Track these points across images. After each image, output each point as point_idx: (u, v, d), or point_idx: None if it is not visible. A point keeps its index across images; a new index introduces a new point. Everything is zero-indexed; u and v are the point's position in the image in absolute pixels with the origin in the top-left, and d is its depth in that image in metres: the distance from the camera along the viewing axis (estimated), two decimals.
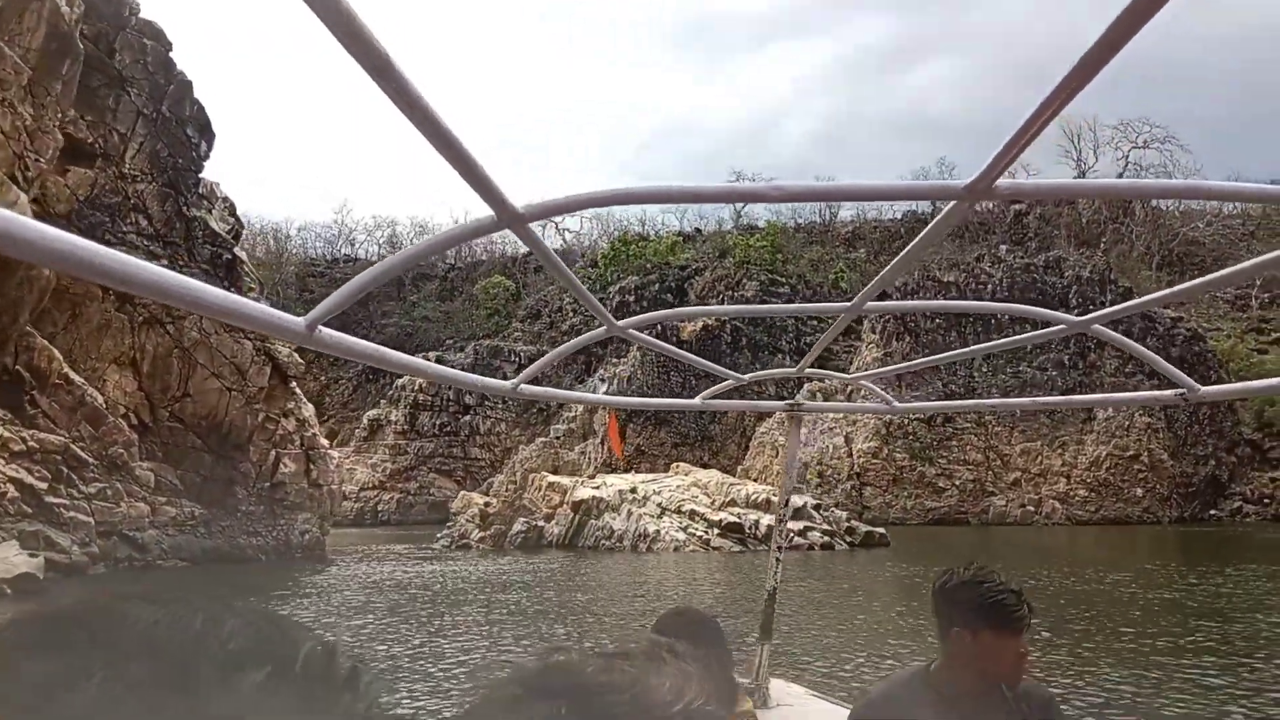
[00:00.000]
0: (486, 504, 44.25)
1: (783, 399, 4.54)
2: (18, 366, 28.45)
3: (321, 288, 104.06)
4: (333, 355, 2.01)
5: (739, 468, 72.07)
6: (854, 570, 31.82)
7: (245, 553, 34.51)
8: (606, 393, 77.40)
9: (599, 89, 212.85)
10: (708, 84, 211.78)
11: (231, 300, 1.44)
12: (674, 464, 50.13)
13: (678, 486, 42.71)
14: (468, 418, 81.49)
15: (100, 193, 30.65)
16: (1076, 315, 2.74)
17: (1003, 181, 1.46)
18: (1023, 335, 3.00)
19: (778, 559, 4.74)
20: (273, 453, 35.46)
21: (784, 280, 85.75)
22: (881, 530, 43.20)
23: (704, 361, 3.81)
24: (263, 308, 1.55)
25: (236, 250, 34.07)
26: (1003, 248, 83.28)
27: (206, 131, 33.33)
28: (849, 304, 2.60)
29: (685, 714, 0.69)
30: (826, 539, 39.57)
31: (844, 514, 43.64)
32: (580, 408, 77.89)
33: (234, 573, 31.42)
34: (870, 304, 2.57)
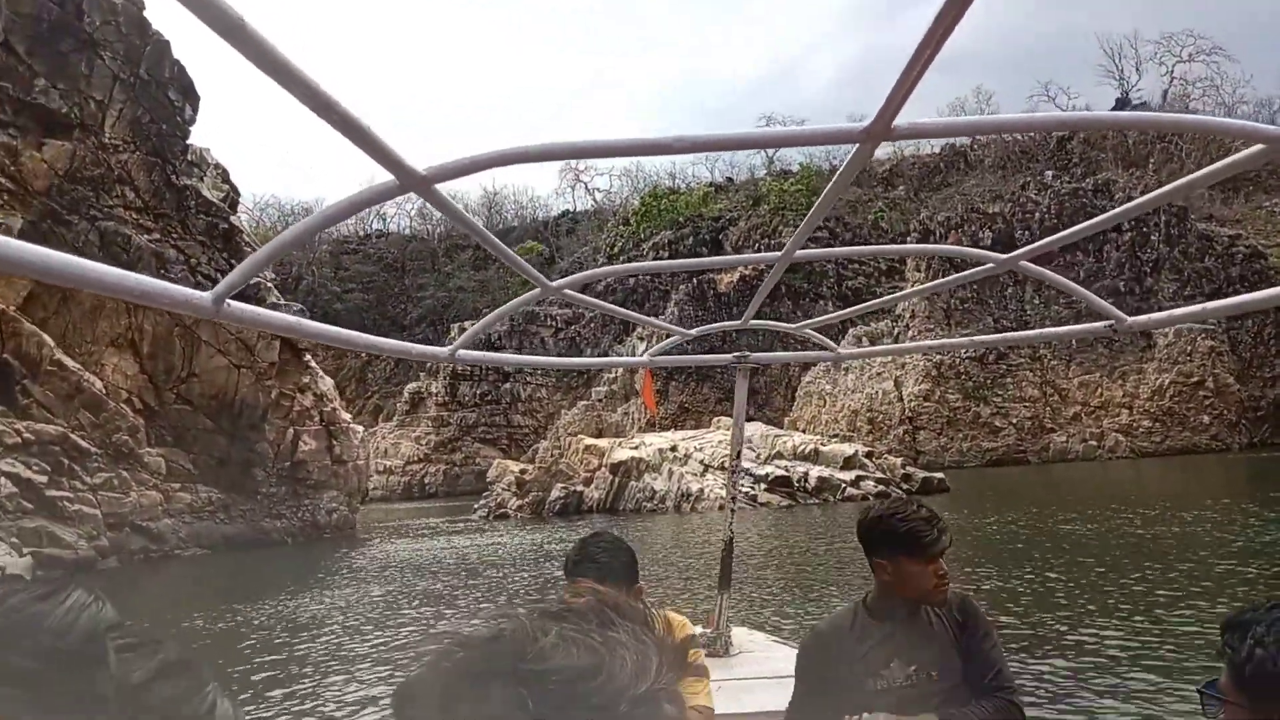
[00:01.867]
0: (523, 471, 41.94)
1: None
2: (5, 355, 26.40)
3: (356, 264, 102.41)
4: (245, 327, 2.45)
5: (785, 419, 69.21)
6: None
7: (270, 537, 32.51)
8: (645, 352, 74.52)
9: (617, 44, 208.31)
10: (725, 33, 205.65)
11: (128, 279, 1.37)
12: (715, 419, 47.38)
13: (720, 442, 39.95)
14: (508, 385, 79.40)
15: (80, 166, 28.36)
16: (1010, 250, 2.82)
17: (901, 121, 1.41)
18: (948, 278, 2.97)
19: (732, 510, 4.75)
20: (291, 430, 33.30)
21: (821, 224, 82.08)
22: (939, 475, 40.16)
23: (646, 318, 3.79)
24: (163, 284, 1.48)
25: (234, 219, 31.71)
26: (1048, 174, 78.76)
27: (190, 94, 30.85)
28: (779, 254, 2.54)
29: (648, 693, 0.67)
30: (881, 488, 36.66)
31: (898, 460, 40.65)
32: (619, 370, 75.46)
33: (257, 559, 29.46)
34: (801, 252, 2.48)
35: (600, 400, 75.08)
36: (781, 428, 51.15)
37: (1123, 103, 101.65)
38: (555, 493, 39.77)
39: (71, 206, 28.19)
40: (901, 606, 2.76)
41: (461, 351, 2.98)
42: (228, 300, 1.62)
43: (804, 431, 55.30)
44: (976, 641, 2.77)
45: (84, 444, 27.54)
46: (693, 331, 3.86)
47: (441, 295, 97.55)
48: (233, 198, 32.28)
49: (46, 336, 27.18)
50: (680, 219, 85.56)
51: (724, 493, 36.01)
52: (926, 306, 71.23)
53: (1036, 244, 2.53)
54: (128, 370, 29.49)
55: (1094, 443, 69.31)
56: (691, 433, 44.33)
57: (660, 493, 37.86)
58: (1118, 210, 2.21)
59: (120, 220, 29.14)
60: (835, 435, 53.09)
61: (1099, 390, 70.71)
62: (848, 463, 37.57)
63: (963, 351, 71.20)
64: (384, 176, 1.48)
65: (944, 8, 1.17)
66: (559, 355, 68.47)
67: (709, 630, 4.76)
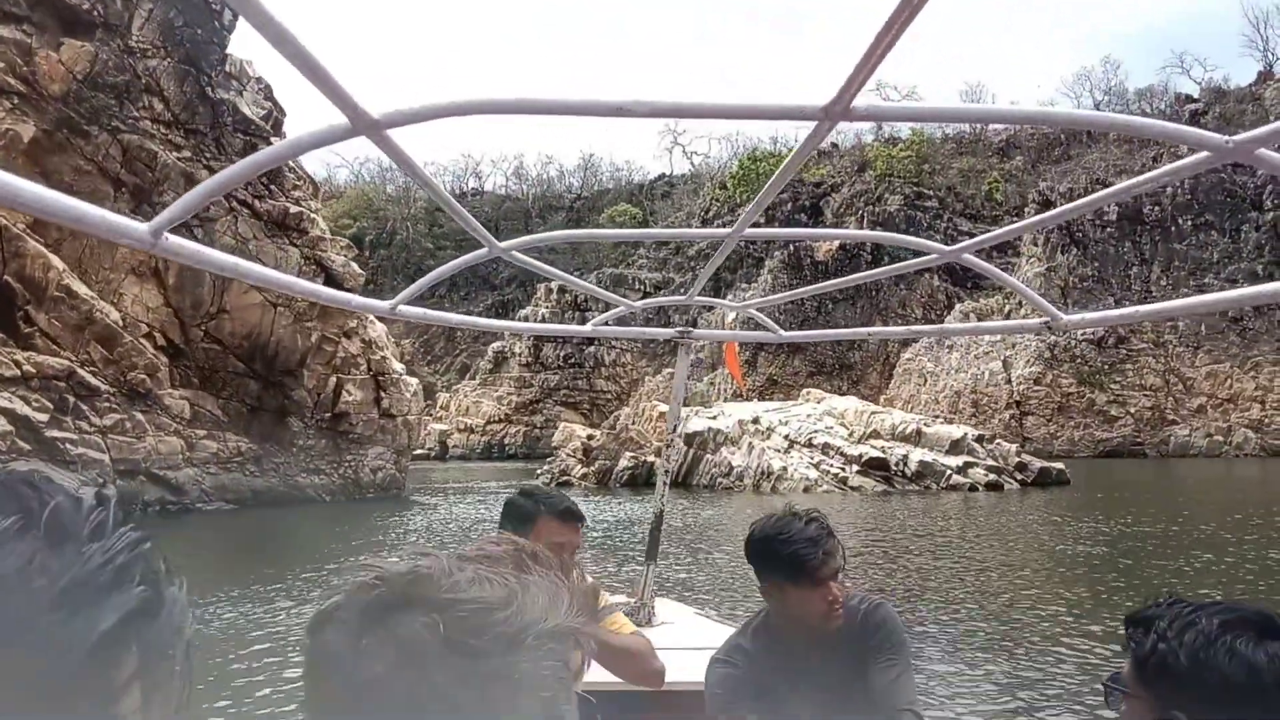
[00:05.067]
0: (589, 437, 37.61)
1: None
2: (5, 277, 23.02)
3: (450, 221, 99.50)
4: (182, 263, 1.81)
5: (881, 397, 63.50)
6: (1026, 520, 23.63)
7: (305, 493, 28.85)
8: (734, 322, 69.82)
9: None
10: None
11: (58, 201, 1.31)
12: (805, 391, 42.22)
13: (808, 416, 34.90)
14: (592, 349, 75.34)
15: (103, 70, 24.71)
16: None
17: (860, 101, 1.36)
18: (891, 266, 2.81)
19: (665, 484, 4.60)
20: (333, 378, 29.49)
21: (930, 193, 75.53)
22: (1060, 466, 34.36)
23: (593, 288, 3.64)
24: (100, 212, 1.40)
25: (276, 140, 27.77)
26: (1183, 146, 70.60)
27: None
28: (729, 230, 2.44)
29: (558, 628, 0.70)
30: (992, 477, 31.17)
31: (1013, 447, 34.93)
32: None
33: (287, 516, 25.84)
34: (749, 230, 2.36)
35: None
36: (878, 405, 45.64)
37: (1265, 75, 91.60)
38: (623, 462, 35.33)
39: (91, 115, 24.60)
40: (797, 629, 2.53)
41: (403, 307, 2.79)
42: (166, 234, 1.51)
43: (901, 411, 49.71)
44: (881, 657, 2.51)
45: (93, 380, 24.11)
46: (638, 304, 3.63)
47: (533, 255, 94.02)
48: (276, 117, 28.37)
49: (55, 259, 23.71)
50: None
51: (811, 473, 31.10)
52: (1043, 283, 64.35)
53: (977, 239, 2.31)
54: (150, 302, 25.94)
55: (1220, 438, 61.86)
56: (777, 404, 39.30)
57: (738, 469, 33.04)
58: (1062, 209, 2.10)
59: (146, 134, 25.49)
60: (937, 417, 47.32)
61: (1229, 381, 63.05)
62: (955, 447, 32.11)
63: (1078, 333, 64.26)
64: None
65: None
66: (646, 320, 63.98)
67: (634, 600, 4.57)
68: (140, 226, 1.47)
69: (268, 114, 28.21)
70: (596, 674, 2.71)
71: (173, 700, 0.63)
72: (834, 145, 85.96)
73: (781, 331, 3.88)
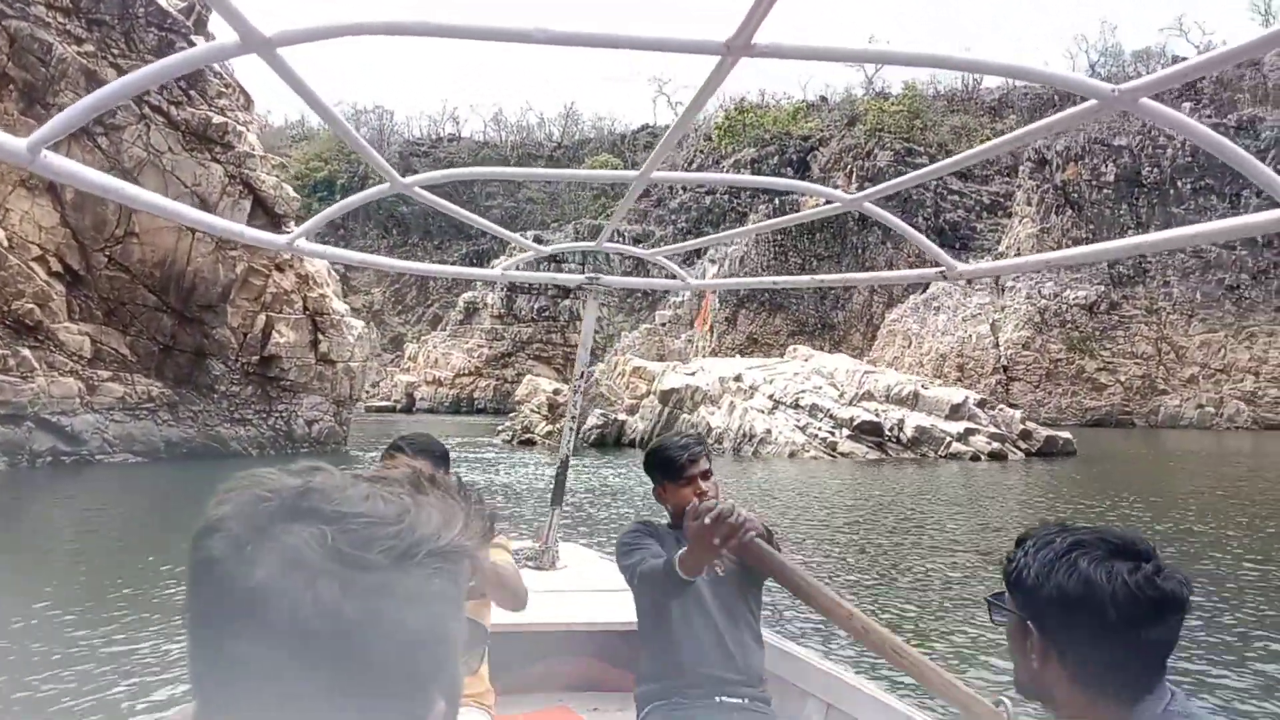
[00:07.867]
0: (556, 391, 33.98)
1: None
2: None
3: (425, 167, 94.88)
4: (62, 182, 1.64)
5: (865, 359, 60.29)
6: (1050, 499, 20.34)
7: (228, 445, 25.15)
8: (717, 275, 66.45)
9: None
10: None
11: None
12: (791, 348, 38.70)
13: (795, 374, 31.37)
14: (567, 302, 71.53)
15: None
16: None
17: (762, 39, 1.34)
18: (789, 216, 2.93)
19: (571, 429, 4.61)
20: (262, 316, 25.64)
21: (922, 150, 71.75)
22: (1066, 435, 31.08)
23: (501, 230, 3.50)
24: None
25: (196, 39, 23.69)
26: (1185, 105, 67.11)
27: None
28: (637, 173, 2.40)
29: (449, 547, 0.69)
30: (995, 445, 27.83)
31: (1017, 414, 31.56)
32: (686, 294, 67.06)
33: (206, 471, 22.14)
34: (657, 173, 2.34)
35: (664, 325, 66.82)
36: None
37: None
38: (592, 420, 31.74)
39: None
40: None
41: (300, 242, 2.80)
42: (45, 150, 1.39)
43: None
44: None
45: None
46: (547, 250, 3.68)
47: (510, 206, 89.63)
48: (200, 13, 24.20)
49: None
50: (765, 136, 75.78)
51: (798, 437, 27.70)
52: (1036, 245, 61.06)
53: (879, 187, 2.39)
54: (43, 220, 21.92)
55: (1211, 409, 58.98)
56: (760, 361, 35.76)
57: (717, 430, 29.52)
58: (957, 158, 2.18)
59: (38, 22, 21.33)
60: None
61: (1222, 351, 60.15)
62: (955, 412, 28.71)
63: (1069, 297, 61.14)
64: None
65: None
66: (626, 271, 60.34)
67: (538, 544, 4.63)
68: (17, 141, 1.38)
69: (189, 7, 24.02)
70: (498, 615, 2.83)
71: None
72: (822, 98, 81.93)
73: (690, 279, 3.92)
